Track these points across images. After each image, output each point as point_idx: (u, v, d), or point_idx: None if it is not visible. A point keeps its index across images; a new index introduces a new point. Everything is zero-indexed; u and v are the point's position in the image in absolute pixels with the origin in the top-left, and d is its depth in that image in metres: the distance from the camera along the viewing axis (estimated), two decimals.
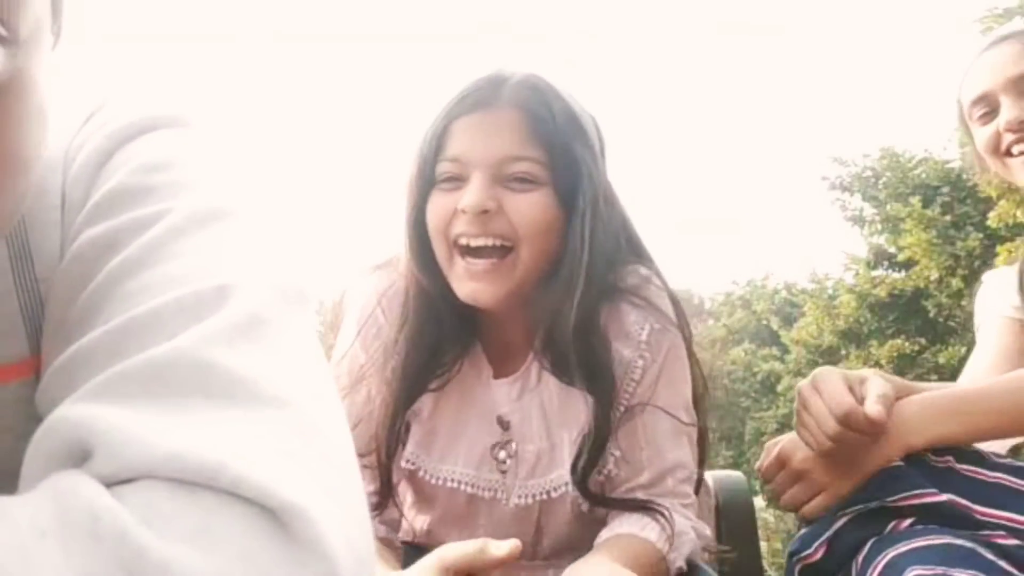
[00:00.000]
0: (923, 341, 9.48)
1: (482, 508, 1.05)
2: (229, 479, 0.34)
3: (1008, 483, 0.92)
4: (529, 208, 0.97)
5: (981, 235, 8.55)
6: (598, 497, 1.01)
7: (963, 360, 1.57)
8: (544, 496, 1.03)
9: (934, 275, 9.02)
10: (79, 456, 0.36)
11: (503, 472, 1.04)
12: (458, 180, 0.98)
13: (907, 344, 9.42)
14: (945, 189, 9.43)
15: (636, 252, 1.08)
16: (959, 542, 0.85)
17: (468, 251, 0.98)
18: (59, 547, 0.32)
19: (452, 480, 1.05)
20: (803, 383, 1.01)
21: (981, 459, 0.96)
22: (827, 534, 0.95)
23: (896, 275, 9.96)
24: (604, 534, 0.98)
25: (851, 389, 0.95)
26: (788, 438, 1.06)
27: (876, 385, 0.95)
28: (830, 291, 10.79)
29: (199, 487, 0.34)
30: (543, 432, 1.03)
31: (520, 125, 0.98)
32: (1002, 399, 0.98)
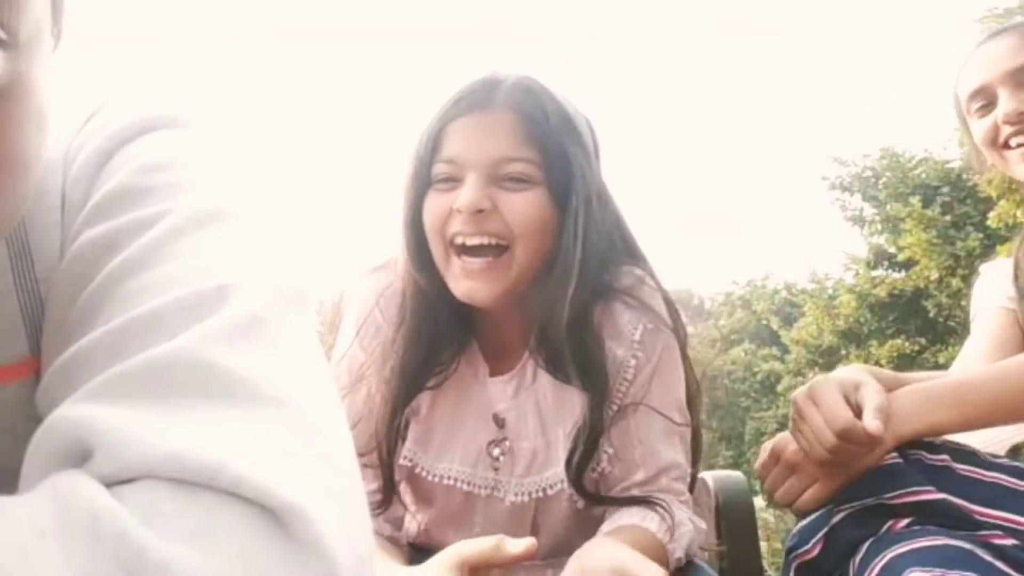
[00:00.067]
0: (923, 341, 9.49)
1: (478, 506, 1.06)
2: (229, 479, 0.35)
3: (1005, 483, 0.92)
4: (524, 207, 0.99)
5: (981, 235, 8.56)
6: (594, 495, 1.02)
7: None
8: (540, 493, 1.04)
9: (934, 275, 9.03)
10: (79, 456, 0.36)
11: (496, 469, 1.05)
12: (454, 181, 1.00)
13: (907, 344, 9.43)
14: (945, 189, 9.44)
15: (630, 253, 1.10)
16: (957, 543, 0.85)
17: (464, 250, 0.99)
18: (59, 547, 0.32)
19: (449, 477, 1.06)
20: (798, 392, 1.00)
21: (977, 458, 0.96)
22: (824, 530, 0.96)
23: (896, 275, 9.97)
24: (605, 528, 1.00)
25: (847, 398, 0.95)
26: (781, 435, 1.06)
27: (872, 395, 0.94)
28: (830, 291, 10.80)
29: (199, 487, 0.34)
30: (538, 430, 1.05)
31: (514, 126, 1.00)
32: (994, 387, 0.97)
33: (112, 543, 0.32)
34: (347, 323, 1.10)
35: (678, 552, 0.99)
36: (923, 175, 9.77)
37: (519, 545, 0.81)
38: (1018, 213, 6.80)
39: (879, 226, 10.05)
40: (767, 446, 1.09)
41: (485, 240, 0.99)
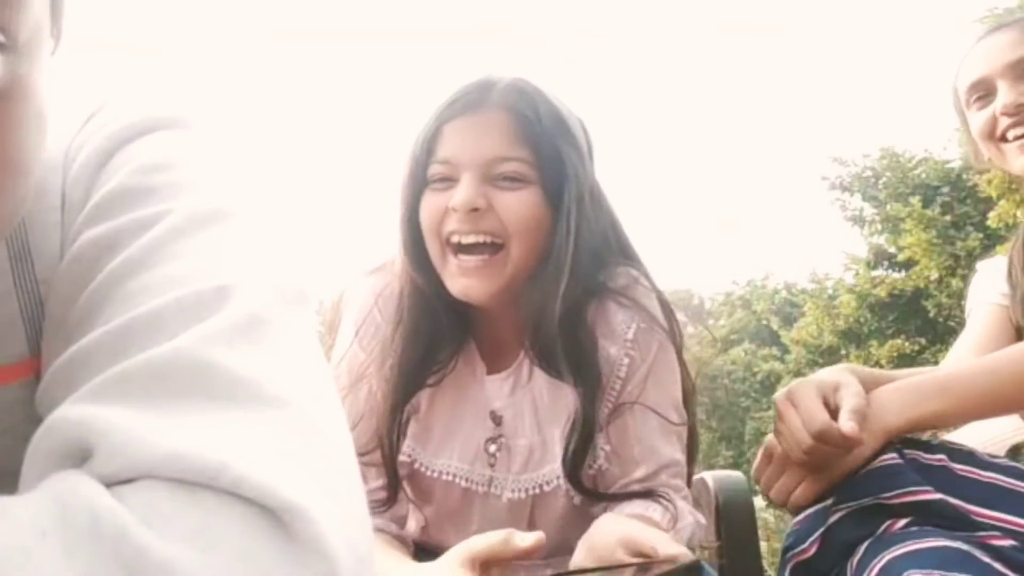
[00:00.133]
0: (923, 341, 9.49)
1: (476, 502, 1.07)
2: (229, 479, 0.35)
3: (1002, 483, 0.92)
4: (518, 206, 1.01)
5: (981, 235, 8.57)
6: (591, 491, 1.03)
7: None
8: (537, 490, 1.05)
9: (934, 275, 9.03)
10: (79, 456, 0.36)
11: (492, 466, 1.06)
12: (449, 180, 1.02)
13: (907, 344, 9.44)
14: (945, 189, 9.45)
15: (624, 253, 1.11)
16: (955, 545, 0.85)
17: (460, 248, 1.01)
18: (60, 547, 0.32)
19: (448, 473, 1.07)
20: (779, 394, 1.01)
21: (974, 458, 0.96)
22: (821, 530, 0.95)
23: (896, 275, 9.98)
24: None
25: (826, 400, 0.95)
26: (772, 435, 1.06)
27: (850, 397, 0.95)
28: (830, 291, 10.81)
29: (199, 487, 0.35)
30: (535, 427, 1.06)
31: (508, 127, 1.01)
32: (982, 380, 0.97)
33: (112, 543, 0.32)
34: (346, 324, 1.11)
35: (681, 543, 1.00)
36: (923, 175, 9.78)
37: (528, 539, 0.82)
38: (1018, 213, 6.80)
39: (879, 226, 10.06)
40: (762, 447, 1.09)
41: (480, 238, 1.00)
